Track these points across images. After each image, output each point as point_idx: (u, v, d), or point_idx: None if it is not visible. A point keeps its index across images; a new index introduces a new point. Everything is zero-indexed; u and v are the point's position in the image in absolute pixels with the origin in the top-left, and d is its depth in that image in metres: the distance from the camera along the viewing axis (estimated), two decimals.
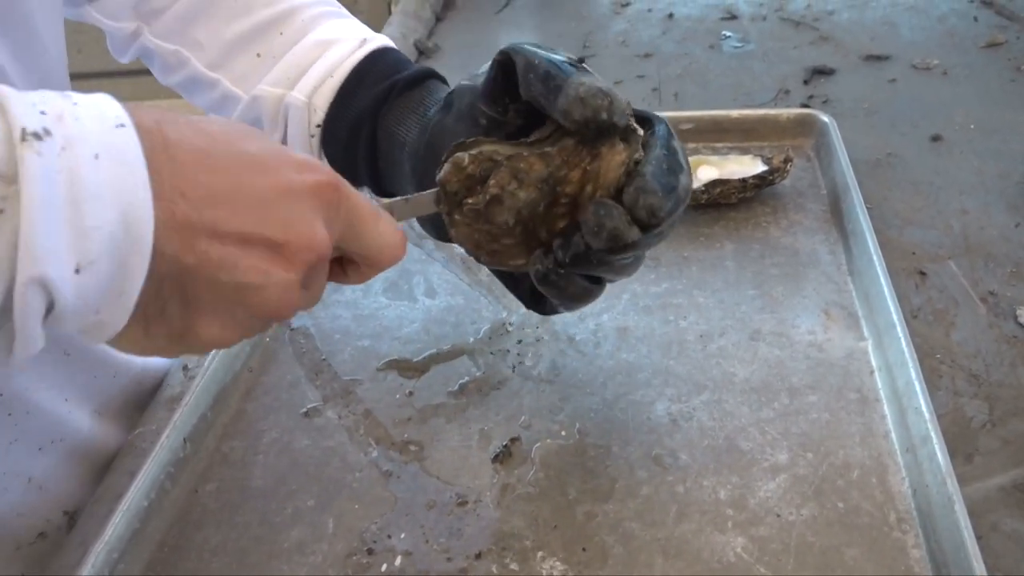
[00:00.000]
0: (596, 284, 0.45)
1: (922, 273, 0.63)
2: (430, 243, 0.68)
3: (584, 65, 0.42)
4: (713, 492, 0.47)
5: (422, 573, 0.45)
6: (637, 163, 0.41)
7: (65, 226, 0.28)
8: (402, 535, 0.47)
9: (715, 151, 0.77)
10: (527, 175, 0.42)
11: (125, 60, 0.60)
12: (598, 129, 0.40)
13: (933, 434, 0.46)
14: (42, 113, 0.28)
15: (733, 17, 1.09)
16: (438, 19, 1.17)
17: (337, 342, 0.60)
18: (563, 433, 0.52)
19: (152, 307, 0.32)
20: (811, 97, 0.88)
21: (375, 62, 0.53)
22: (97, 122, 0.29)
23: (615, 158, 0.41)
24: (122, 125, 0.29)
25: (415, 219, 0.47)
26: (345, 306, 0.63)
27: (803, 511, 0.46)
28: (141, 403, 0.59)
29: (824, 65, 0.93)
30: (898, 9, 1.07)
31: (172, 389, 0.58)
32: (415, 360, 0.58)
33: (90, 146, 0.28)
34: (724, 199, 0.69)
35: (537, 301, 0.48)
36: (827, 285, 0.61)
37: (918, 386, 0.49)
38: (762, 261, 0.64)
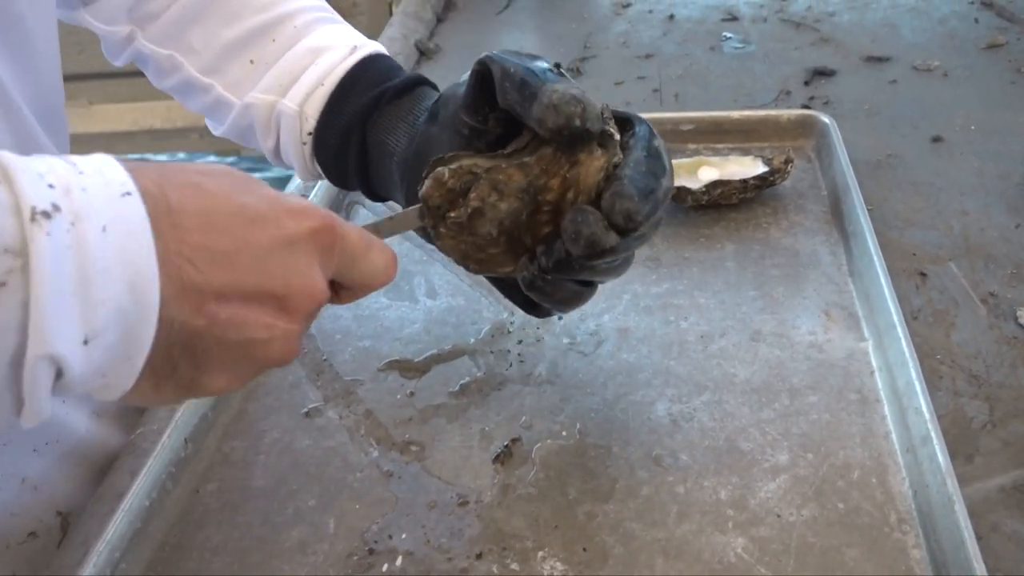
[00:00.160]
0: (586, 287, 0.46)
1: (922, 274, 0.63)
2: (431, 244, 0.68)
3: (563, 71, 0.42)
4: (714, 492, 0.47)
5: (423, 573, 0.45)
6: (616, 167, 0.41)
7: (74, 300, 0.28)
8: (403, 535, 0.47)
9: (716, 152, 0.77)
10: (507, 186, 0.42)
11: (119, 64, 0.60)
12: (572, 136, 0.41)
13: (933, 435, 0.46)
14: (50, 187, 0.28)
15: (734, 18, 1.09)
16: (439, 20, 1.17)
17: (338, 342, 0.60)
18: (564, 433, 0.52)
19: (162, 368, 0.33)
20: (812, 98, 0.88)
21: (366, 69, 0.53)
22: (103, 192, 0.29)
23: (593, 164, 0.42)
24: (128, 193, 0.30)
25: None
26: (346, 307, 0.63)
27: (803, 512, 0.46)
28: (141, 405, 0.59)
29: (825, 66, 0.94)
30: (899, 11, 1.07)
31: None
32: (416, 360, 0.58)
33: (98, 219, 0.29)
34: (725, 200, 0.69)
35: (532, 305, 0.49)
36: (827, 286, 0.61)
37: (918, 387, 0.49)
38: (763, 262, 0.64)
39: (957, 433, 0.50)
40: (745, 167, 0.70)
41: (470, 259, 0.45)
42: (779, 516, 0.46)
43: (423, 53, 1.06)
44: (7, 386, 0.28)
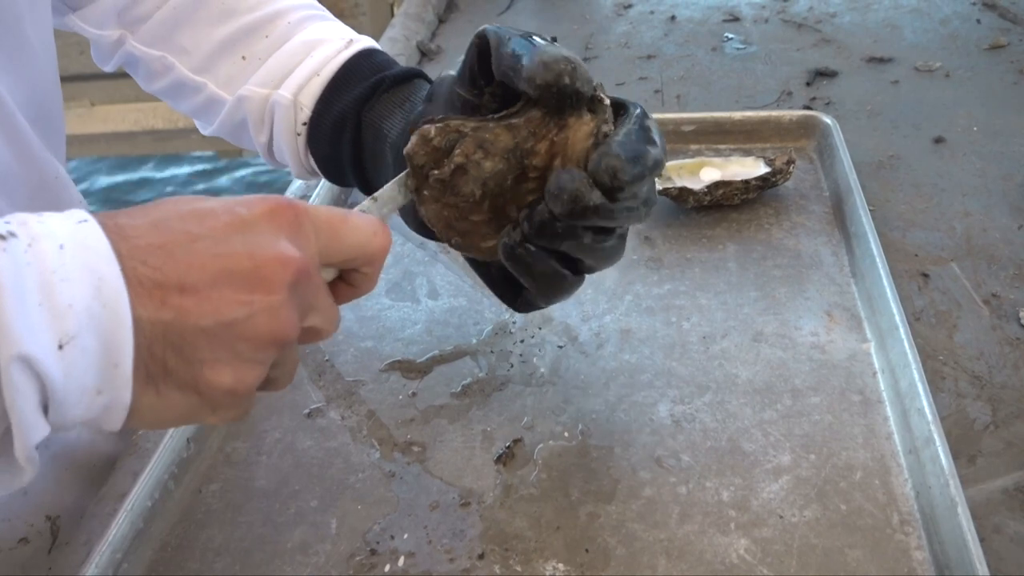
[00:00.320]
0: (570, 271, 0.44)
1: (925, 275, 0.63)
2: (433, 245, 0.68)
3: (557, 43, 0.42)
4: (716, 493, 0.47)
5: (425, 574, 0.45)
6: (606, 135, 0.41)
7: (38, 308, 0.29)
8: (405, 536, 0.47)
9: (718, 153, 0.77)
10: (493, 145, 0.42)
11: (108, 68, 0.60)
12: (561, 95, 0.40)
13: (936, 436, 0.46)
14: (6, 222, 0.30)
15: (735, 19, 1.09)
16: (441, 21, 1.17)
17: (340, 343, 0.60)
18: (566, 434, 0.52)
19: (154, 370, 0.32)
20: (813, 99, 0.88)
21: (362, 61, 0.53)
22: (59, 221, 0.31)
23: (582, 128, 0.41)
24: (84, 221, 0.31)
25: (403, 214, 0.46)
26: (348, 307, 0.63)
27: (806, 513, 0.46)
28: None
29: (826, 67, 0.93)
30: (901, 11, 1.07)
31: None
32: (418, 361, 0.58)
33: (55, 239, 0.30)
34: (727, 201, 0.69)
35: (514, 294, 0.48)
36: (829, 287, 0.61)
37: (921, 388, 0.49)
38: (764, 263, 0.64)
39: (959, 434, 0.50)
40: (747, 168, 0.70)
41: (453, 230, 0.44)
42: (781, 517, 0.46)
43: (424, 54, 1.07)
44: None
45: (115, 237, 0.31)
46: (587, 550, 0.45)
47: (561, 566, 0.45)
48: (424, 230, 0.48)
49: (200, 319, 0.32)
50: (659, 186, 0.68)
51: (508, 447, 0.51)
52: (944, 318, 0.59)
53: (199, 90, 0.56)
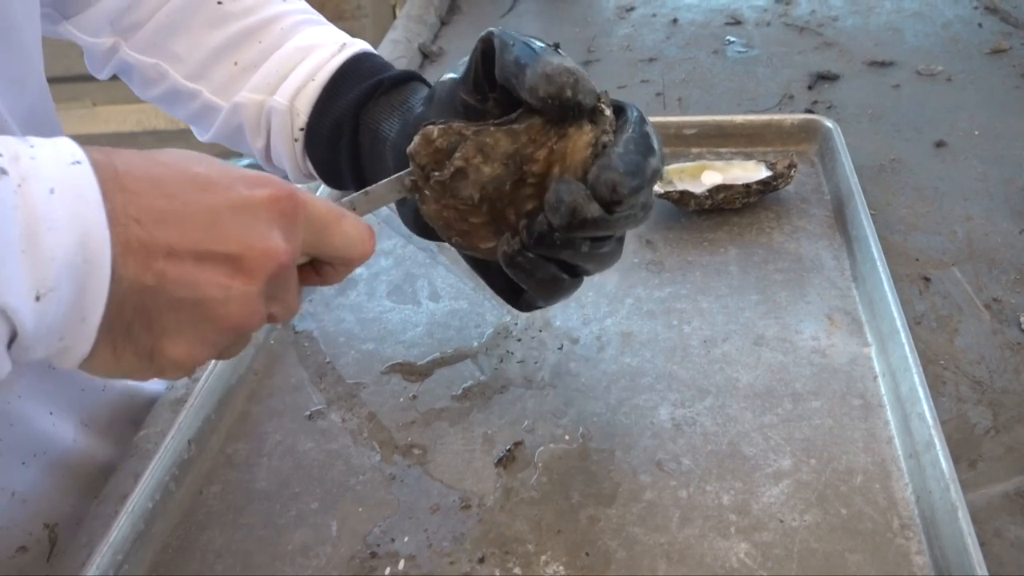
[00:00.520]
0: (569, 275, 0.44)
1: (926, 279, 0.63)
2: (434, 247, 0.68)
3: (561, 52, 0.42)
4: (716, 497, 0.47)
5: None
6: (605, 146, 0.41)
7: (22, 257, 0.29)
8: (405, 538, 0.47)
9: (719, 156, 0.77)
10: (492, 150, 0.42)
11: (102, 76, 0.60)
12: (563, 106, 0.40)
13: (936, 440, 0.46)
14: None
15: (737, 22, 1.09)
16: (443, 23, 1.17)
17: (341, 345, 0.60)
18: (566, 437, 0.52)
19: (117, 329, 0.33)
20: (815, 102, 0.88)
21: (358, 64, 0.53)
22: (52, 160, 0.30)
23: (582, 138, 0.41)
24: (77, 162, 0.31)
25: (403, 218, 0.47)
26: (349, 309, 0.63)
27: (806, 517, 0.46)
28: (131, 416, 0.59)
29: (828, 71, 0.94)
30: (902, 15, 1.07)
31: (176, 391, 0.58)
32: (419, 364, 0.58)
33: (46, 183, 0.29)
34: (728, 204, 0.69)
35: (514, 295, 0.48)
36: (831, 291, 0.61)
37: (921, 392, 0.49)
38: (766, 266, 0.64)
39: (960, 439, 0.50)
40: (748, 171, 0.70)
41: (452, 229, 0.45)
42: (782, 521, 0.46)
43: (427, 56, 1.07)
44: None
45: (110, 186, 0.31)
46: (587, 553, 0.45)
47: (561, 569, 0.45)
48: (425, 232, 0.48)
49: (178, 290, 0.33)
50: (660, 190, 0.68)
51: (509, 450, 0.51)
52: (945, 322, 0.59)
53: (194, 97, 0.56)
